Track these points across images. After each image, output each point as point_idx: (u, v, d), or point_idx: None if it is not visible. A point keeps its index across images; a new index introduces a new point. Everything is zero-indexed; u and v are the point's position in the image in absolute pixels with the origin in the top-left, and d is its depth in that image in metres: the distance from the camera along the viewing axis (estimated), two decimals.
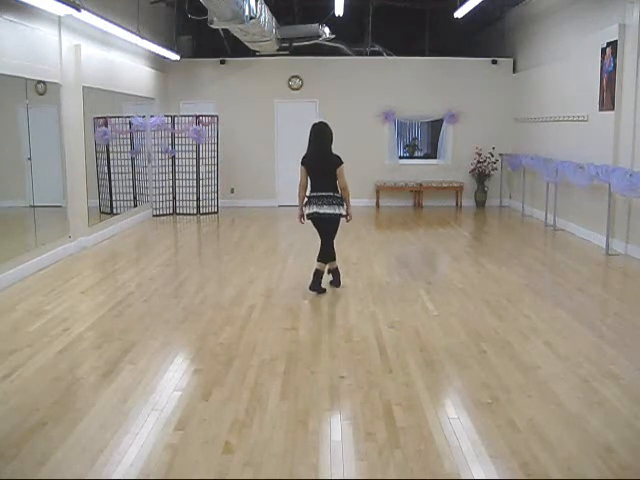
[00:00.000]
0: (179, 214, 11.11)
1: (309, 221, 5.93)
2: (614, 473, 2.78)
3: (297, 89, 12.08)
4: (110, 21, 7.44)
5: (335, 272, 6.10)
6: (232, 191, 12.14)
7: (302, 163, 5.85)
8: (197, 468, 2.85)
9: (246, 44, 10.19)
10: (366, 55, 12.09)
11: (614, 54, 7.60)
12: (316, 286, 5.83)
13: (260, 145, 12.06)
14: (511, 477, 2.76)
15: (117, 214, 9.53)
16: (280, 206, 12.04)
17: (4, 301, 5.60)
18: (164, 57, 10.84)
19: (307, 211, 5.82)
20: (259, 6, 8.24)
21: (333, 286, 6.05)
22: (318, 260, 5.93)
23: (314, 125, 5.93)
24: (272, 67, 11.91)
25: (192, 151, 11.02)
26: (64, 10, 6.19)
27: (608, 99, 7.80)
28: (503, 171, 11.90)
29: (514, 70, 11.85)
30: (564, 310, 5.29)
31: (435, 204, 12.04)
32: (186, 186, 11.09)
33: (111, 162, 9.51)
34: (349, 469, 2.84)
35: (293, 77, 12.04)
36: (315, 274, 5.85)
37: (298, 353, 4.30)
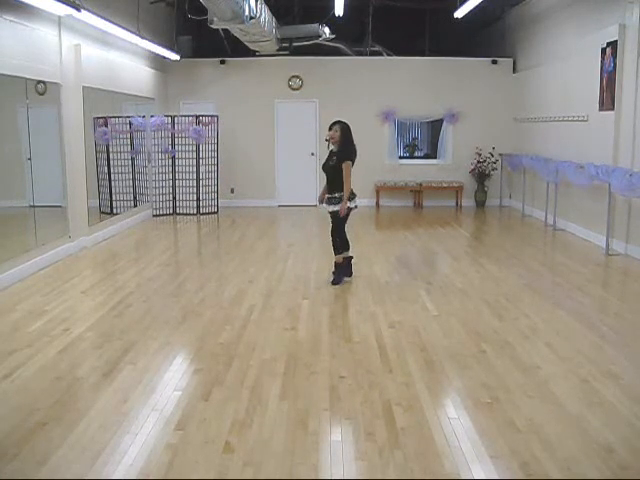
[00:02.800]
0: (179, 214, 11.10)
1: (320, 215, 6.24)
2: (614, 473, 2.78)
3: (297, 89, 12.08)
4: (110, 21, 7.44)
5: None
6: (232, 191, 12.14)
7: (352, 161, 6.10)
8: (197, 468, 2.85)
9: (246, 44, 10.19)
10: (366, 55, 12.09)
11: (614, 54, 7.60)
12: (348, 271, 6.33)
13: (260, 145, 12.05)
14: (511, 477, 2.76)
15: (117, 214, 9.52)
16: (280, 206, 12.05)
17: (4, 301, 5.60)
18: (164, 57, 10.84)
19: (353, 204, 6.10)
20: (259, 6, 8.24)
21: (332, 284, 6.07)
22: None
23: (347, 123, 6.31)
24: (272, 67, 11.91)
25: (192, 151, 11.02)
26: (64, 10, 6.19)
27: (608, 99, 7.80)
28: (503, 171, 11.89)
29: (514, 70, 11.85)
30: (564, 310, 5.29)
31: (435, 204, 12.04)
32: (186, 186, 11.09)
33: (111, 162, 9.51)
34: (349, 469, 2.84)
35: (293, 77, 12.03)
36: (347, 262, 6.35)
37: (298, 353, 4.30)
